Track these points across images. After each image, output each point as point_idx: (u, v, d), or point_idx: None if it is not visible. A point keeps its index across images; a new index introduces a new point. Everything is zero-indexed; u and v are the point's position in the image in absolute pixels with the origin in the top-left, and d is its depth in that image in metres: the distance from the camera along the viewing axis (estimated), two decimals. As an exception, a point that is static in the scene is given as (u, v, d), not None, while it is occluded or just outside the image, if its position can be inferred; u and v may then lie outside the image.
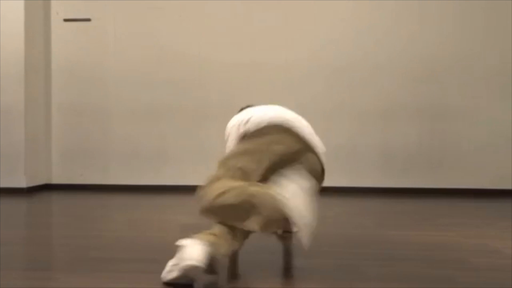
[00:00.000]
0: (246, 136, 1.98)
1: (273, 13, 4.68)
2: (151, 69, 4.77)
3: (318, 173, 1.98)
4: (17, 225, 3.13)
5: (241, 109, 2.31)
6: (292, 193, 1.69)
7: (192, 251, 1.59)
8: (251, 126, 1.96)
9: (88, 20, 4.82)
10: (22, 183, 4.46)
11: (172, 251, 1.95)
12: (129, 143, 4.80)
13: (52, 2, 4.86)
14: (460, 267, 2.03)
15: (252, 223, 1.70)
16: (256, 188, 1.76)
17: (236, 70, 4.60)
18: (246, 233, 1.79)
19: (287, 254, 2.05)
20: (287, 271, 1.98)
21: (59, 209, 4.10)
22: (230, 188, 1.76)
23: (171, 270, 1.71)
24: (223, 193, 1.75)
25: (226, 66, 4.64)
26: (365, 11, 4.61)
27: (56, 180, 4.87)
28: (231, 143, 2.06)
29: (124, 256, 2.20)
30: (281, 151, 1.89)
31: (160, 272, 1.79)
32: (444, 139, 4.57)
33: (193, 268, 1.58)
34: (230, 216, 1.74)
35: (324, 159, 2.02)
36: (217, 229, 1.74)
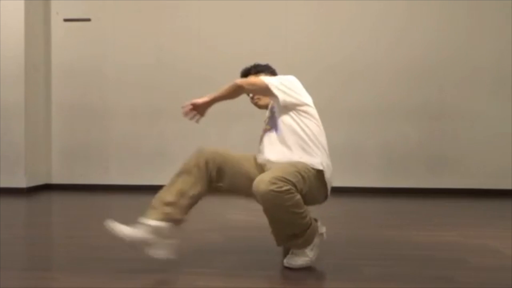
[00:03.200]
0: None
1: (272, 14, 4.67)
2: (151, 69, 4.77)
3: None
4: (17, 225, 3.13)
5: (254, 67, 2.35)
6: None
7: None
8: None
9: (88, 20, 4.82)
10: (22, 183, 4.46)
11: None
12: (129, 143, 4.80)
13: (52, 2, 4.86)
14: (460, 267, 2.03)
15: None
16: None
17: (236, 70, 4.58)
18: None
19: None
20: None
21: (59, 209, 4.10)
22: None
23: (157, 247, 1.90)
24: None
25: (225, 66, 4.62)
26: (366, 10, 4.61)
27: (56, 180, 4.87)
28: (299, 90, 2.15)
29: (124, 256, 2.20)
30: None
31: (160, 272, 1.79)
32: (444, 139, 4.56)
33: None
34: None
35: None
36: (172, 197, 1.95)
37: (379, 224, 3.08)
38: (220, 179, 2.02)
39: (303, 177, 1.92)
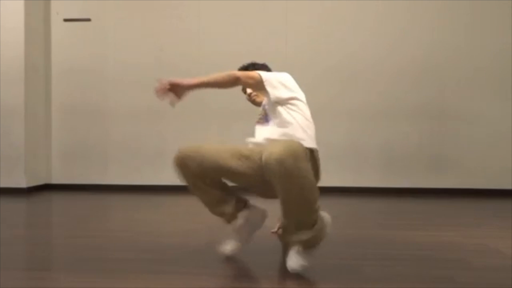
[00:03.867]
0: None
1: (272, 14, 4.67)
2: (151, 69, 4.76)
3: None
4: (17, 225, 3.13)
5: (251, 65, 2.37)
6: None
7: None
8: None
9: (88, 20, 4.82)
10: (22, 183, 4.46)
11: (172, 251, 1.95)
12: (129, 143, 4.80)
13: (52, 2, 4.86)
14: (460, 267, 2.03)
15: None
16: None
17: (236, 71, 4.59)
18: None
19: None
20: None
21: (59, 209, 4.10)
22: None
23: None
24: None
25: (225, 66, 4.61)
26: (367, 10, 4.60)
27: (56, 180, 4.87)
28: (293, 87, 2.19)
29: (124, 256, 2.20)
30: None
31: (160, 272, 1.79)
32: (444, 139, 4.56)
33: None
34: None
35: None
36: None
37: (379, 224, 3.08)
38: (207, 175, 2.03)
39: (305, 154, 1.91)
